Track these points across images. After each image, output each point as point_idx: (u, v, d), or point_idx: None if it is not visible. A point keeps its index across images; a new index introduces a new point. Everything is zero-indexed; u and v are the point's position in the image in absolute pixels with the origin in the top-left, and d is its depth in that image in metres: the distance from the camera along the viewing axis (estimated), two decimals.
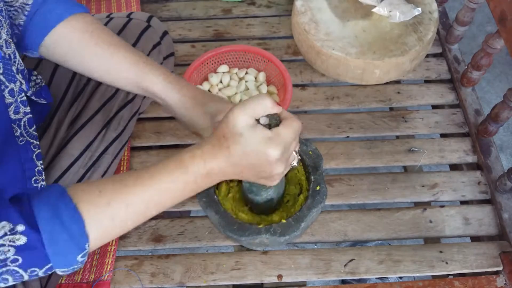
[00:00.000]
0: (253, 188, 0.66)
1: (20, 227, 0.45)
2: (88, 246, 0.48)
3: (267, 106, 0.52)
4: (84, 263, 0.51)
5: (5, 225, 0.44)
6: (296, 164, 0.60)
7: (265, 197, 0.67)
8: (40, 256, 0.46)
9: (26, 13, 0.65)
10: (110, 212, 0.49)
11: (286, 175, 0.69)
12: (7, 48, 0.60)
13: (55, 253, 0.46)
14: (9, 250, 0.44)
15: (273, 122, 0.54)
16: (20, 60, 0.64)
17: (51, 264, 0.47)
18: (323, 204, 0.67)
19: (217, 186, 0.71)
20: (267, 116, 0.53)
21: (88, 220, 0.48)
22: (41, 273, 0.47)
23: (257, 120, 0.53)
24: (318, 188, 0.67)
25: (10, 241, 0.44)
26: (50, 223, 0.46)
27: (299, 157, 0.61)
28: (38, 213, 0.46)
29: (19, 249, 0.45)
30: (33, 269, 0.47)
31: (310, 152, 0.70)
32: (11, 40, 0.61)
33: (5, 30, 0.60)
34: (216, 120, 0.66)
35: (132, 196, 0.50)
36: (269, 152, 0.51)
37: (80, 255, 0.48)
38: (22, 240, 0.45)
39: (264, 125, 0.53)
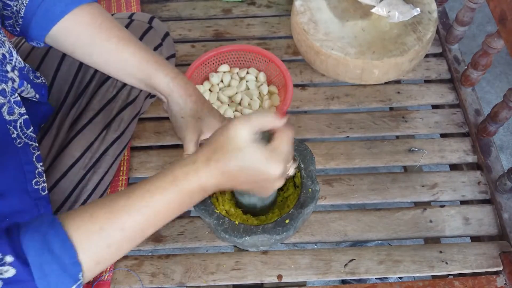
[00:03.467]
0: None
1: (9, 258, 0.42)
2: (82, 276, 0.45)
3: (269, 121, 0.50)
4: None
5: None
6: (292, 173, 0.58)
7: (247, 201, 0.68)
8: None
9: (26, 2, 0.63)
10: (104, 238, 0.46)
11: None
12: (0, 47, 0.59)
13: (46, 286, 0.43)
14: None
15: (266, 135, 0.51)
16: (19, 58, 0.63)
17: None
18: (315, 203, 0.67)
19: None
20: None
21: (80, 248, 0.44)
22: None
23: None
24: (310, 190, 0.68)
25: None
26: (39, 253, 0.43)
27: (295, 166, 0.59)
28: (27, 243, 0.43)
29: (7, 282, 0.42)
30: None
31: (296, 147, 0.71)
32: (5, 38, 0.61)
33: None
34: (203, 135, 0.67)
35: (125, 219, 0.47)
36: (271, 171, 0.49)
37: (74, 286, 0.45)
38: (10, 272, 0.42)
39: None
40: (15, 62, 0.62)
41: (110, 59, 0.67)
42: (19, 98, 0.62)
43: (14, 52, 0.62)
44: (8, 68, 0.60)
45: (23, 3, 0.64)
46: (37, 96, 0.68)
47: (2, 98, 0.58)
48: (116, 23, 0.68)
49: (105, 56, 0.67)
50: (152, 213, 0.48)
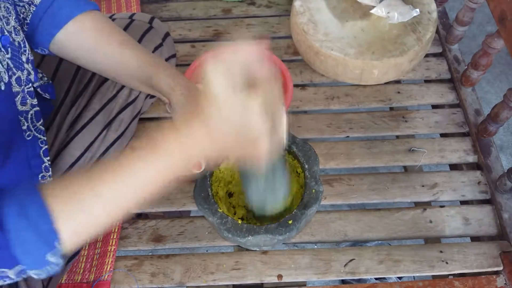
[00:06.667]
0: (244, 178, 0.65)
1: None
2: (59, 243, 0.44)
3: (245, 58, 0.45)
4: (62, 266, 0.47)
5: None
6: (284, 136, 0.51)
7: (258, 197, 0.65)
8: (8, 255, 0.43)
9: (32, 9, 0.65)
10: (80, 205, 0.45)
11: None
12: (16, 35, 0.60)
13: (23, 252, 0.43)
14: None
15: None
16: (29, 50, 0.64)
17: (22, 267, 0.44)
18: (318, 204, 0.67)
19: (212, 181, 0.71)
20: None
21: (57, 215, 0.44)
22: (12, 275, 0.44)
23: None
24: (314, 190, 0.68)
25: None
26: (16, 220, 0.43)
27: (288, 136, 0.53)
28: (6, 210, 0.43)
29: None
30: (2, 270, 0.43)
31: (300, 147, 0.70)
32: (20, 27, 0.61)
33: (14, 17, 0.60)
34: None
35: (100, 184, 0.45)
36: (250, 119, 0.44)
37: (50, 254, 0.44)
38: None
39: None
40: (28, 55, 0.63)
41: (111, 63, 0.68)
42: (32, 89, 0.62)
43: (26, 44, 0.63)
44: (23, 58, 0.61)
45: (30, 10, 0.65)
46: (47, 94, 0.69)
47: (17, 86, 0.58)
48: (117, 28, 0.69)
49: (106, 60, 0.68)
50: (128, 176, 0.46)
